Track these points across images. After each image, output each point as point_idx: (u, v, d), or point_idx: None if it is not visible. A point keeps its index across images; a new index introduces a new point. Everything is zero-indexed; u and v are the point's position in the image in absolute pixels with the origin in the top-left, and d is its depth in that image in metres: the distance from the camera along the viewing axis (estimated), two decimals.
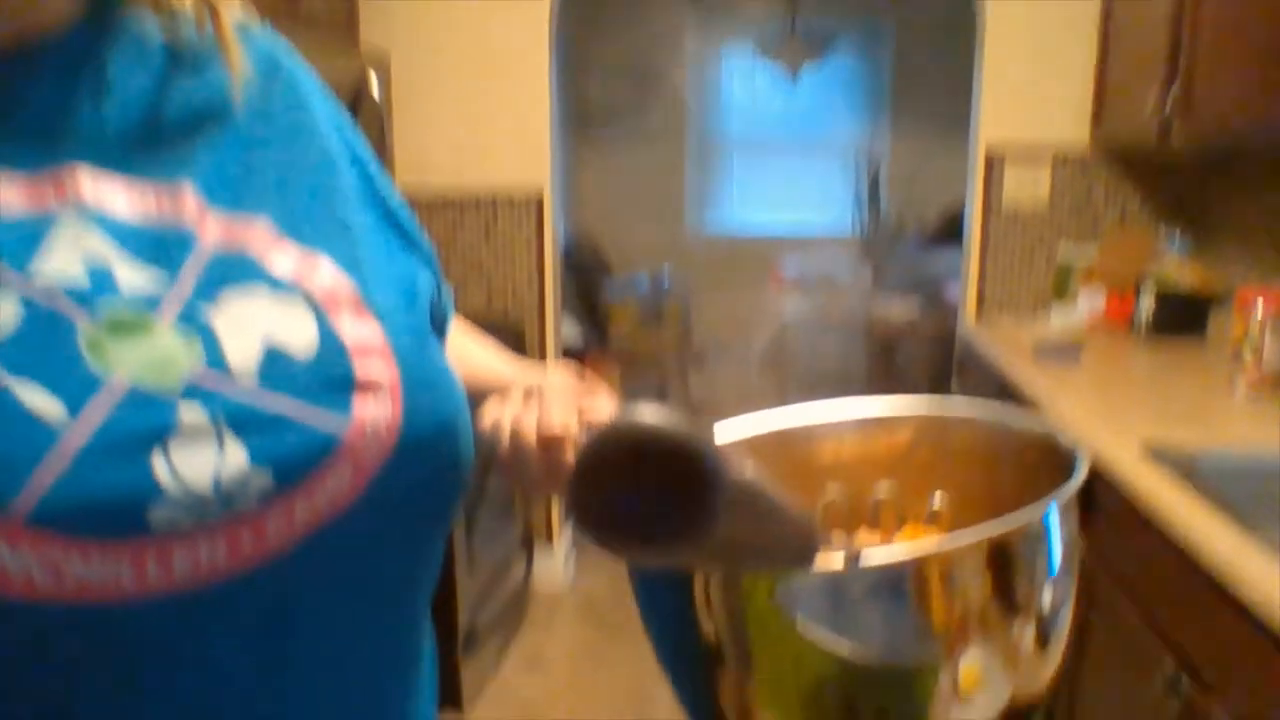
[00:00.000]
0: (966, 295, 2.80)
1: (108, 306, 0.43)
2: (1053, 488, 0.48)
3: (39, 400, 0.40)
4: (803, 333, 4.59)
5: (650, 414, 0.34)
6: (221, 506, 0.43)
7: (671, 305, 4.53)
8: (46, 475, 0.39)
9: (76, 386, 0.41)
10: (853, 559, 0.40)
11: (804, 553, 0.39)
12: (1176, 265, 2.47)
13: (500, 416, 0.56)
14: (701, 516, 0.33)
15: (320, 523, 0.46)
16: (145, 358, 0.43)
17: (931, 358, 4.09)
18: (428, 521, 0.55)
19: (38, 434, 0.40)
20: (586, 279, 4.30)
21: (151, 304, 0.45)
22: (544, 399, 0.55)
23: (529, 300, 2.89)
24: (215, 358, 0.45)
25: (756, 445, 0.56)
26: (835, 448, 0.57)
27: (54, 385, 0.40)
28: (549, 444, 0.53)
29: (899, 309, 3.85)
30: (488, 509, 2.45)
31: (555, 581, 3.01)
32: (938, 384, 3.57)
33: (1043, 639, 0.40)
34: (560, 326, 3.01)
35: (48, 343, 0.41)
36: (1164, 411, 1.82)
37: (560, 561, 3.03)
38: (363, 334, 0.50)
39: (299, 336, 0.48)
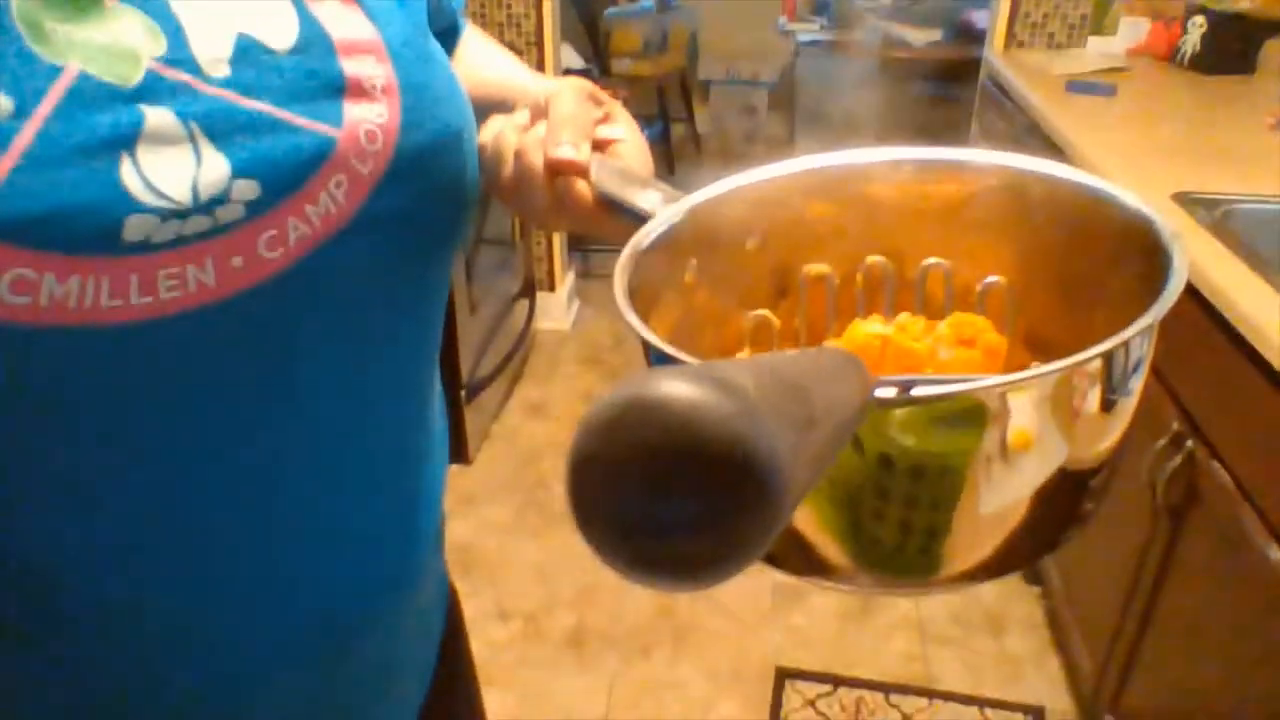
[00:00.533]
0: (995, 20, 2.58)
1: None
2: (1122, 261, 0.40)
3: None
4: (815, 61, 4.34)
5: (680, 386, 0.19)
6: (206, 220, 0.39)
7: (677, 31, 4.25)
8: None
9: (20, 76, 0.35)
10: (916, 391, 0.32)
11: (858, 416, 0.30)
12: None
13: (503, 134, 0.51)
14: (753, 529, 0.20)
15: (316, 241, 0.43)
16: (102, 45, 0.37)
17: (951, 91, 3.88)
18: (431, 242, 0.51)
19: None
20: (587, 2, 4.02)
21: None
22: (553, 117, 0.49)
23: (525, 25, 2.68)
24: (179, 47, 0.40)
25: (792, 186, 0.47)
26: (881, 196, 0.47)
27: None
28: (557, 169, 0.48)
29: (919, 36, 3.59)
30: (487, 254, 2.39)
31: (557, 327, 3.02)
32: (957, 119, 3.39)
33: (1107, 404, 0.35)
34: (559, 53, 2.82)
35: None
36: (1200, 153, 1.71)
37: (562, 307, 3.01)
38: (351, 28, 0.45)
39: (275, 26, 0.42)
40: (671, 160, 4.24)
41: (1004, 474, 0.34)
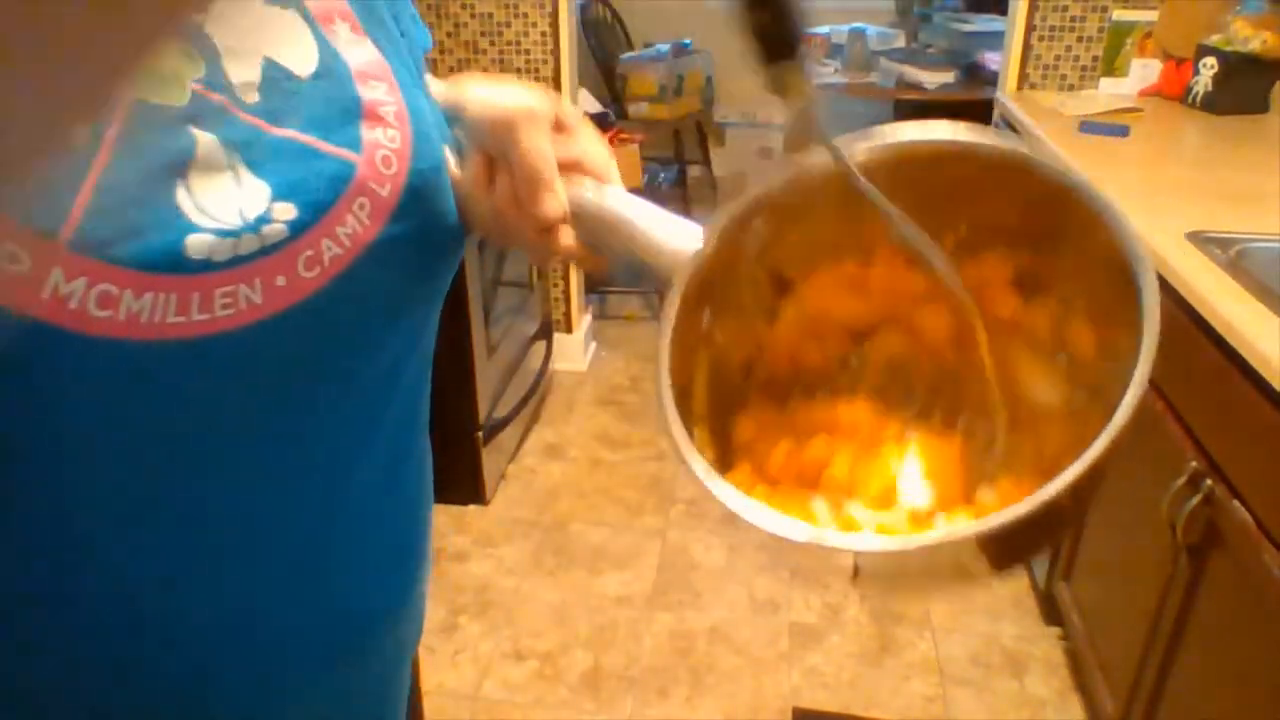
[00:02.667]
0: (1007, 63, 2.60)
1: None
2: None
3: None
4: (830, 103, 4.38)
5: None
6: (255, 240, 0.42)
7: (692, 75, 4.31)
8: (82, 197, 0.37)
9: None
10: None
11: None
12: (1247, 26, 2.26)
13: (470, 193, 0.52)
14: None
15: (346, 263, 0.45)
16: (149, 72, 0.38)
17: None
18: (439, 265, 0.54)
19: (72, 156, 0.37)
20: (604, 48, 4.08)
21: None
22: (520, 168, 0.49)
23: (544, 71, 2.73)
24: (216, 71, 0.42)
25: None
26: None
27: None
28: (541, 226, 0.50)
29: (932, 78, 3.62)
30: (505, 296, 2.41)
31: (574, 369, 3.03)
32: None
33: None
34: (577, 98, 2.86)
35: None
36: (1214, 193, 1.71)
37: (579, 348, 3.03)
38: (363, 56, 0.48)
39: (298, 53, 0.45)
40: (688, 203, 4.27)
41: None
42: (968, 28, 3.86)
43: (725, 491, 0.40)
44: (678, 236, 0.48)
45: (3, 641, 0.45)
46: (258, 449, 0.46)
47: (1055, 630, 1.97)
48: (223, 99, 0.42)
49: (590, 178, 0.52)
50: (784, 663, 1.95)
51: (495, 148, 0.50)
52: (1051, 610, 1.97)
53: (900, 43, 4.17)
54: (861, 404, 0.48)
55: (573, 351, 3.02)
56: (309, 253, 0.44)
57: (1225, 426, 1.27)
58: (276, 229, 0.42)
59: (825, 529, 0.42)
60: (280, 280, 0.43)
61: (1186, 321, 1.35)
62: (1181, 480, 1.32)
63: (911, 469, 0.45)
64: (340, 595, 0.53)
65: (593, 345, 3.15)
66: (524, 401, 2.54)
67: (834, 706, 1.84)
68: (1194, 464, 1.31)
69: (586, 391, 2.95)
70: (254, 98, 0.43)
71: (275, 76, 0.44)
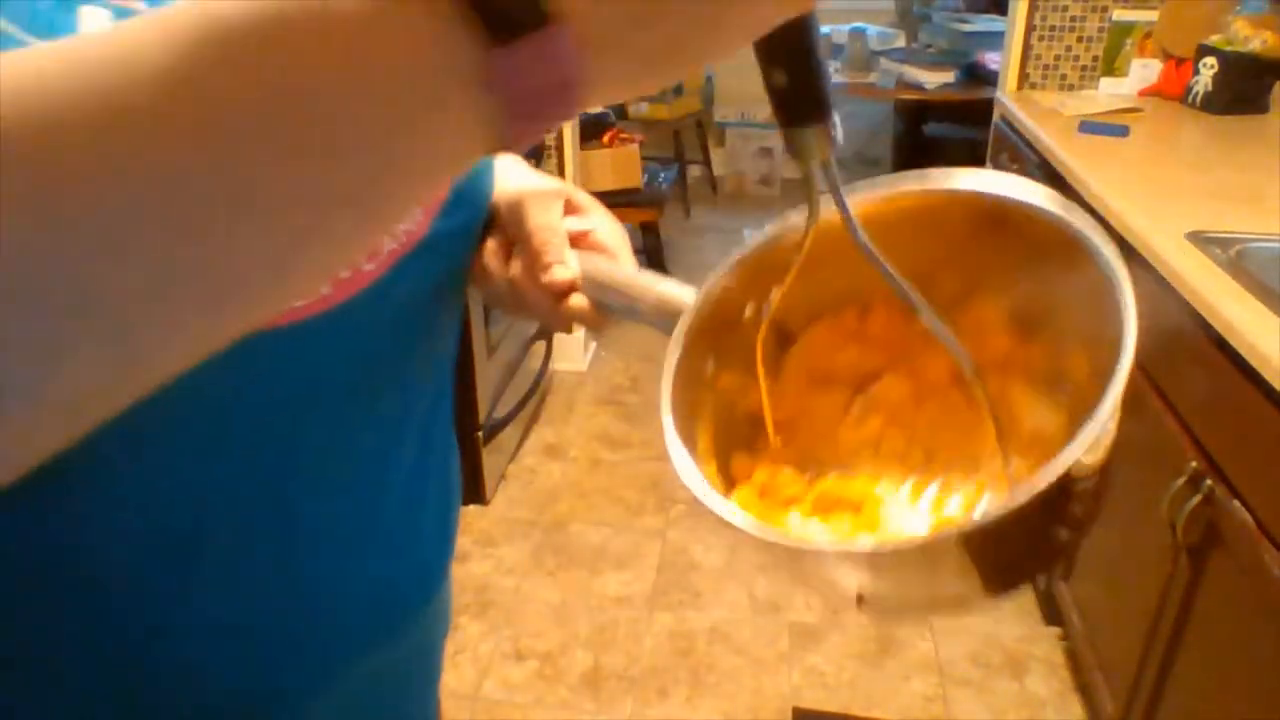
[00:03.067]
0: (1007, 63, 2.60)
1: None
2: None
3: None
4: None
5: None
6: None
7: (692, 75, 4.31)
8: None
9: None
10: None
11: None
12: (1247, 26, 2.26)
13: (498, 276, 0.55)
14: None
15: (398, 256, 0.47)
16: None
17: (965, 132, 3.90)
18: (468, 256, 0.55)
19: None
20: None
21: None
22: (532, 240, 0.53)
23: None
24: None
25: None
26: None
27: None
28: (554, 292, 0.53)
29: (932, 78, 3.63)
30: None
31: (574, 369, 3.03)
32: (971, 160, 3.41)
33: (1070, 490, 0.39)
34: None
35: None
36: (1214, 193, 1.71)
37: (579, 349, 3.03)
38: None
39: None
40: (687, 203, 4.27)
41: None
42: (968, 28, 3.86)
43: (719, 502, 0.41)
44: (682, 293, 0.50)
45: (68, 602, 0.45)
46: (315, 432, 0.48)
47: (1055, 630, 1.97)
48: None
49: (602, 254, 0.55)
50: (784, 663, 1.95)
51: (509, 226, 0.54)
52: (1051, 610, 1.97)
53: (900, 43, 4.17)
54: (866, 466, 0.49)
55: (573, 351, 3.02)
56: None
57: (1225, 426, 1.27)
58: None
59: (814, 535, 0.43)
60: (345, 272, 0.44)
61: (1186, 321, 1.35)
62: (1181, 480, 1.32)
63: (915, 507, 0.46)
64: (383, 576, 0.55)
65: (593, 345, 3.15)
66: (524, 401, 2.54)
67: (834, 706, 1.84)
68: (1194, 464, 1.31)
69: (586, 391, 2.95)
70: None
71: None
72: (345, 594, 0.53)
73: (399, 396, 0.53)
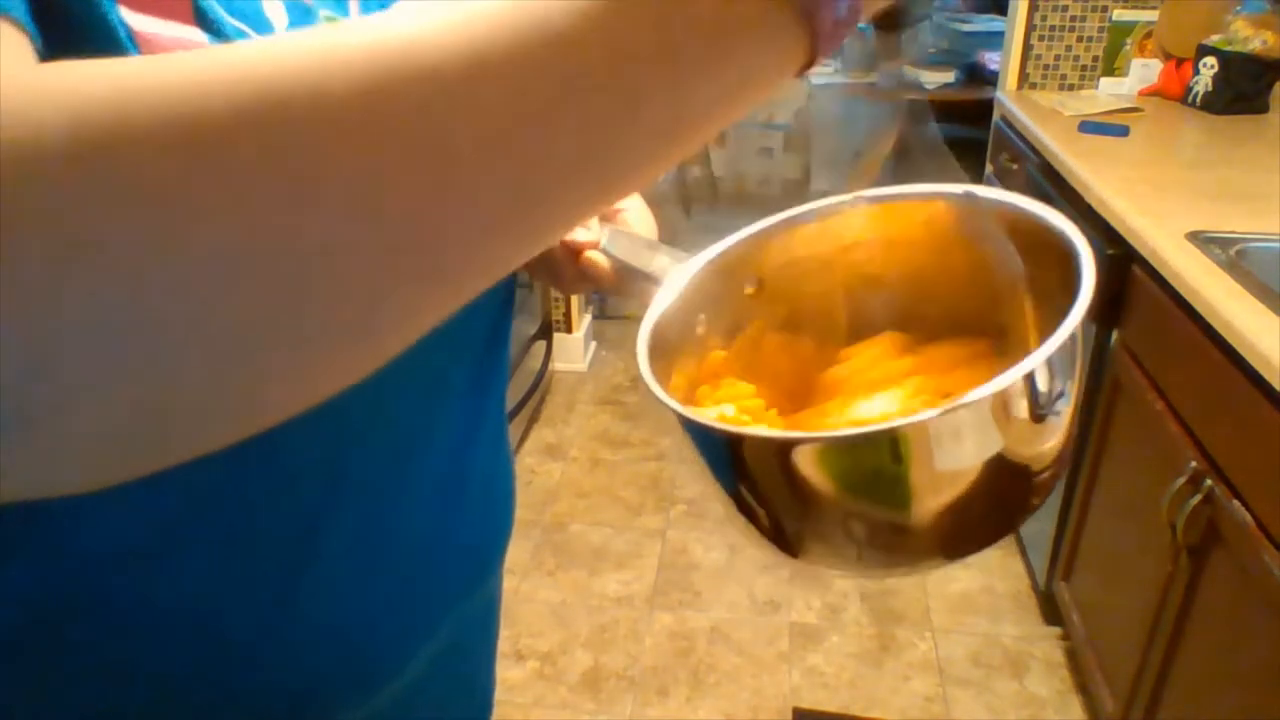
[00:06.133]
0: (1007, 63, 2.60)
1: (320, 6, 0.43)
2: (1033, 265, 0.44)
3: None
4: (830, 104, 4.38)
5: None
6: None
7: None
8: None
9: None
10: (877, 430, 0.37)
11: None
12: (1247, 26, 2.26)
13: None
14: None
15: None
16: None
17: (965, 132, 3.90)
18: None
19: None
20: None
21: (339, 5, 0.44)
22: None
23: None
24: None
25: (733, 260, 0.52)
26: (855, 231, 0.52)
27: None
28: (575, 249, 0.55)
29: (932, 78, 3.62)
30: None
31: (574, 368, 3.03)
32: (971, 159, 3.41)
33: (1037, 416, 0.38)
34: None
35: None
36: (1214, 193, 1.71)
37: (579, 348, 3.03)
38: None
39: None
40: (688, 203, 4.27)
41: (943, 480, 0.37)
42: (968, 28, 3.86)
43: (661, 391, 0.41)
44: (694, 257, 0.51)
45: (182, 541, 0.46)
46: (426, 386, 0.51)
47: (1055, 630, 1.97)
48: None
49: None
50: (784, 663, 1.95)
51: None
52: (1051, 610, 1.97)
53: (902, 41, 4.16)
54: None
55: (573, 351, 3.02)
56: None
57: (1225, 426, 1.27)
58: None
59: (754, 426, 0.43)
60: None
61: (1186, 321, 1.35)
62: (1181, 480, 1.32)
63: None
64: (467, 529, 0.58)
65: (593, 345, 3.15)
66: (524, 401, 2.54)
67: (834, 706, 1.84)
68: (1194, 464, 1.31)
69: (586, 391, 2.95)
70: None
71: None
72: (443, 547, 0.56)
73: (487, 352, 0.57)
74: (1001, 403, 0.36)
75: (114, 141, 0.21)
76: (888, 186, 0.50)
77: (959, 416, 0.35)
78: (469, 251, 0.26)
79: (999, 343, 0.48)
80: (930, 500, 0.38)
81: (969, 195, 0.48)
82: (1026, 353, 0.36)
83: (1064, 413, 0.39)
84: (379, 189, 0.23)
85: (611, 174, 0.28)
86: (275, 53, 0.24)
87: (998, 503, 0.40)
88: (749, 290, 0.51)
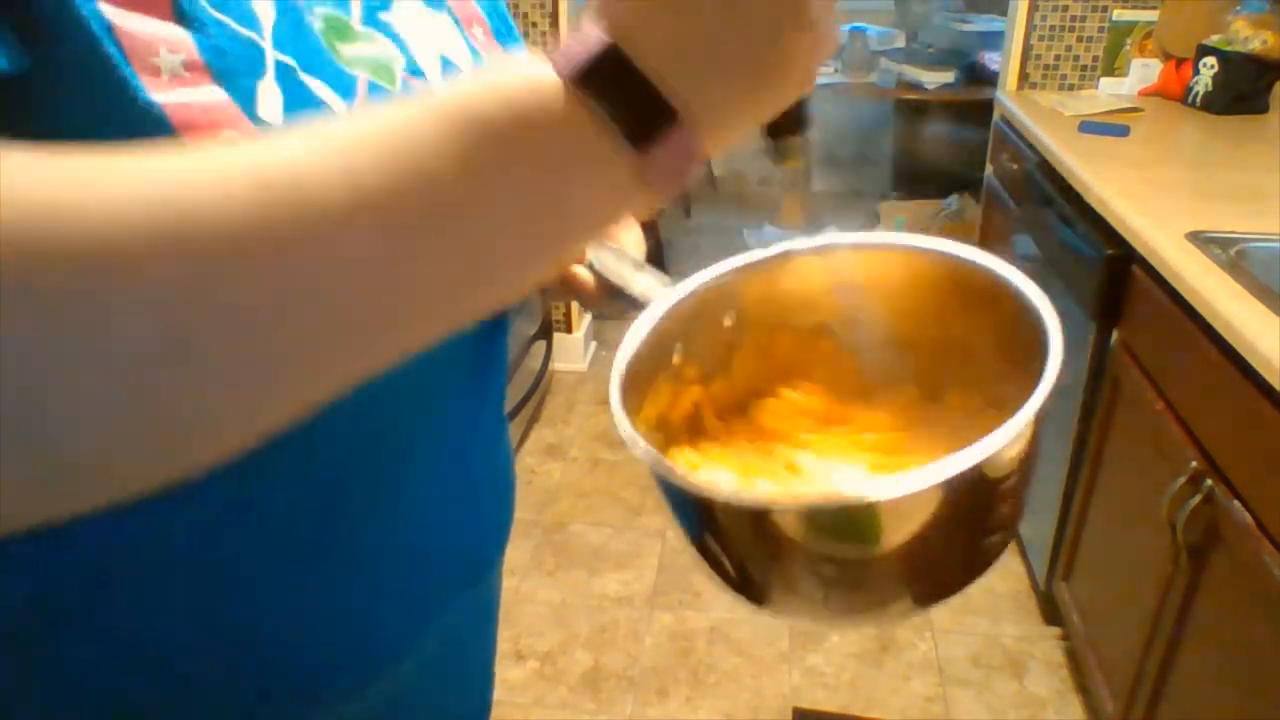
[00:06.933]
0: (1007, 63, 2.60)
1: (317, 4, 0.44)
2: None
3: (326, 94, 0.41)
4: (829, 104, 4.38)
5: None
6: None
7: None
8: None
9: (340, 81, 0.42)
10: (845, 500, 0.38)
11: None
12: (1247, 26, 2.26)
13: None
14: None
15: None
16: (371, 59, 0.45)
17: (965, 132, 3.90)
18: None
19: None
20: None
21: (342, 4, 0.45)
22: None
23: None
24: (413, 64, 0.47)
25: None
26: (837, 273, 0.53)
27: (325, 79, 0.41)
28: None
29: (932, 78, 3.62)
30: None
31: (574, 369, 3.03)
32: (971, 160, 3.41)
33: (1001, 484, 0.40)
34: None
35: (300, 35, 0.41)
36: (1214, 193, 1.71)
37: (579, 348, 3.03)
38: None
39: (457, 52, 0.51)
40: (688, 203, 4.27)
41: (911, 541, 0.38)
42: (968, 27, 3.86)
43: (628, 428, 0.43)
44: (673, 286, 0.52)
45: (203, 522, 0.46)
46: (420, 385, 0.52)
47: (1055, 630, 1.97)
48: (421, 85, 0.47)
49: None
50: (784, 663, 1.95)
51: None
52: (1051, 610, 1.97)
53: (900, 42, 4.16)
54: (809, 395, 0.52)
55: (573, 351, 3.02)
56: None
57: (1225, 426, 1.27)
58: None
59: (722, 482, 0.44)
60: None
61: (1186, 321, 1.35)
62: (1181, 480, 1.32)
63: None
64: (466, 524, 0.59)
65: (593, 345, 3.15)
66: (524, 401, 2.54)
67: (834, 706, 1.84)
68: (1194, 464, 1.31)
69: (586, 391, 2.95)
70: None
71: (449, 70, 0.50)
72: (442, 542, 0.56)
73: (482, 350, 0.59)
74: (974, 474, 0.37)
75: (33, 261, 0.25)
76: (873, 234, 0.52)
77: (928, 493, 0.36)
78: (331, 359, 0.30)
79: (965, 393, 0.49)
80: (897, 559, 0.39)
81: (948, 255, 0.49)
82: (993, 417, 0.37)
83: (1028, 466, 0.40)
84: (265, 317, 0.28)
85: (464, 300, 0.32)
86: (185, 178, 0.28)
87: (962, 554, 0.41)
88: (728, 322, 0.52)
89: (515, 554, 2.24)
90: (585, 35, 0.31)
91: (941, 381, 0.50)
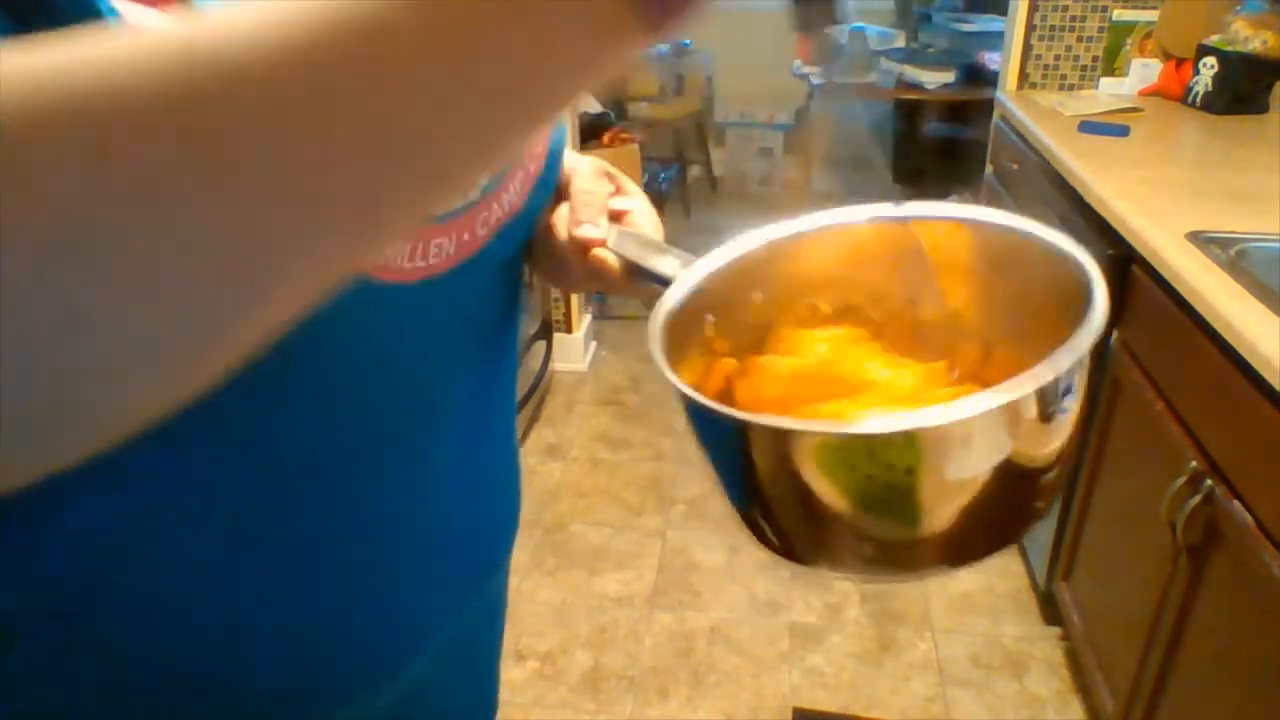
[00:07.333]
0: (1007, 63, 2.60)
1: None
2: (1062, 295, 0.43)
3: None
4: (829, 103, 4.38)
5: None
6: (458, 198, 0.49)
7: (693, 75, 4.31)
8: None
9: None
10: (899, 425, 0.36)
11: None
12: (1247, 26, 2.26)
13: (540, 224, 0.59)
14: None
15: (501, 224, 0.52)
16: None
17: (965, 132, 3.90)
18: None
19: None
20: None
21: None
22: (573, 198, 0.57)
23: None
24: None
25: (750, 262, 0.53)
26: (862, 246, 0.53)
27: None
28: (583, 246, 0.56)
29: (932, 78, 3.63)
30: None
31: (574, 369, 3.03)
32: (971, 159, 3.41)
33: (1045, 415, 0.38)
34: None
35: None
36: (1214, 193, 1.71)
37: (579, 348, 3.03)
38: None
39: None
40: (688, 202, 4.27)
41: (950, 483, 0.37)
42: (968, 28, 3.87)
43: (670, 372, 0.41)
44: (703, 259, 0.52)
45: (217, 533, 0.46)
46: (430, 380, 0.52)
47: (1055, 630, 1.97)
48: None
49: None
50: (784, 663, 1.95)
51: (560, 190, 0.59)
52: (1051, 610, 1.97)
53: (900, 42, 4.17)
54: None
55: (573, 351, 3.02)
56: (485, 213, 0.51)
57: (1225, 426, 1.27)
58: (474, 191, 0.50)
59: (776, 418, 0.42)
60: (466, 235, 0.50)
61: (1187, 321, 1.35)
62: (1181, 480, 1.32)
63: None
64: (476, 523, 0.59)
65: (593, 345, 3.15)
66: (524, 401, 2.54)
67: (834, 706, 1.84)
68: (1194, 464, 1.31)
69: (586, 391, 2.95)
70: None
71: None
72: (454, 541, 0.57)
73: (493, 349, 0.59)
74: (1014, 410, 0.36)
75: None
76: (900, 204, 0.51)
77: (972, 423, 0.35)
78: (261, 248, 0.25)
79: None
80: (938, 504, 0.37)
81: (976, 220, 0.49)
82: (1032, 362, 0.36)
83: (1071, 410, 0.39)
84: (167, 189, 0.23)
85: (439, 156, 0.26)
86: (96, 55, 0.23)
87: (1004, 506, 0.40)
88: (758, 297, 0.52)
89: (515, 554, 2.22)
90: None
91: (990, 344, 0.49)
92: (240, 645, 0.48)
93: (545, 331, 2.79)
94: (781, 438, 0.38)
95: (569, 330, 3.00)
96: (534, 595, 2.13)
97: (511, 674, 1.92)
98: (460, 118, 0.26)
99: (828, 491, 0.37)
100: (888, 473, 0.36)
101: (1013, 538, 0.42)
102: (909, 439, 0.36)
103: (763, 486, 0.41)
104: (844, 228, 0.52)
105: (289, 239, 0.25)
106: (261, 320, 0.27)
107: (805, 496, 0.38)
